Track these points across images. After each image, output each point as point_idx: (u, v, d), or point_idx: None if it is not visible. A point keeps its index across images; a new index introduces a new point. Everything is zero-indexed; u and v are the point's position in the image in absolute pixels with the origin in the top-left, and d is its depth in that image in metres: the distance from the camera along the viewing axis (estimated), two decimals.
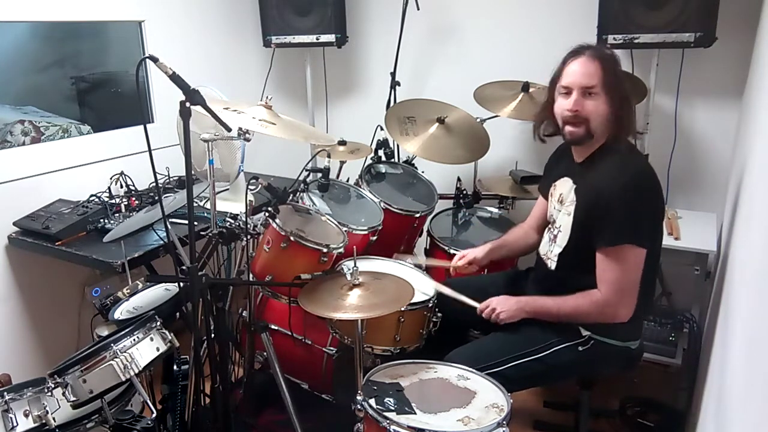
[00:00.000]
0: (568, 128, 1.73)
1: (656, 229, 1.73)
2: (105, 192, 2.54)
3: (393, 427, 1.45)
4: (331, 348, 2.10)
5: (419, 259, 2.28)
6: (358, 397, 1.55)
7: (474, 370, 1.69)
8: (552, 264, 1.87)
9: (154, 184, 1.88)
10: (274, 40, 3.14)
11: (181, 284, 1.82)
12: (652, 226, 1.69)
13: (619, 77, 1.70)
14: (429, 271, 2.31)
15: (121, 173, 2.59)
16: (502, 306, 1.82)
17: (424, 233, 2.60)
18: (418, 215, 2.48)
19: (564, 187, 1.84)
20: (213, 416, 1.99)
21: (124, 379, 1.61)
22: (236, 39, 3.38)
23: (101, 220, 2.36)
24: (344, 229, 2.17)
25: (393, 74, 3.03)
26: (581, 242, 1.74)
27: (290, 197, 2.14)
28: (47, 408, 1.57)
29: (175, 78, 1.52)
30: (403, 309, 1.85)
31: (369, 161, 2.73)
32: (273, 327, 2.13)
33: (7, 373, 2.09)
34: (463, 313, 1.94)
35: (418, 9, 2.97)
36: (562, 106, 1.72)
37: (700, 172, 2.75)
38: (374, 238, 2.29)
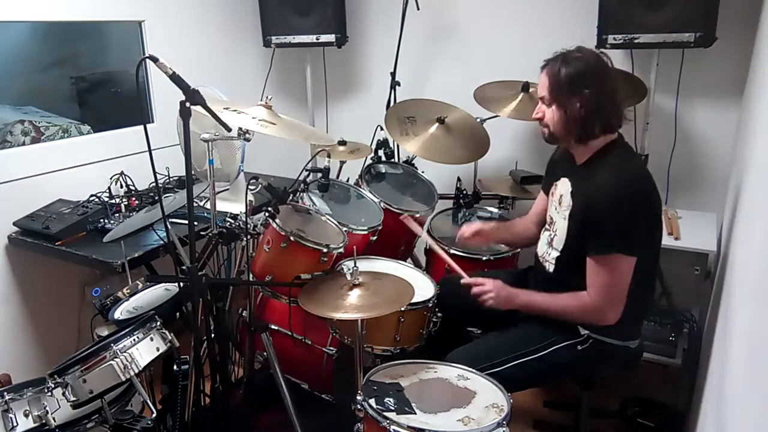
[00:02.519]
0: (541, 128, 1.84)
1: (650, 235, 1.73)
2: (105, 192, 2.54)
3: (393, 427, 1.46)
4: (331, 348, 2.10)
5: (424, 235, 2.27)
6: (358, 397, 1.55)
7: (474, 370, 1.69)
8: (550, 267, 1.88)
9: (154, 184, 1.88)
10: (274, 40, 3.14)
11: (181, 284, 1.82)
12: (645, 234, 1.70)
13: (578, 85, 1.69)
14: (430, 271, 2.30)
15: (121, 173, 2.59)
16: (495, 291, 1.83)
17: (424, 233, 2.60)
18: (418, 215, 2.48)
19: (563, 189, 1.84)
20: (213, 416, 1.99)
21: (124, 379, 1.61)
22: (236, 39, 3.38)
23: (101, 220, 2.35)
24: (344, 229, 2.17)
25: (393, 74, 3.03)
26: (577, 247, 1.75)
27: (290, 197, 2.13)
28: (47, 408, 1.57)
29: (175, 78, 1.52)
30: (403, 309, 1.85)
31: (369, 161, 2.73)
32: (273, 327, 2.13)
33: (7, 373, 2.09)
34: (464, 313, 1.94)
35: (418, 9, 2.97)
36: None
37: (700, 172, 2.75)
38: (374, 238, 2.29)
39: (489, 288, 1.83)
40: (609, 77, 1.74)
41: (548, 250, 1.89)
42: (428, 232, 2.42)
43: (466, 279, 1.90)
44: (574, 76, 1.69)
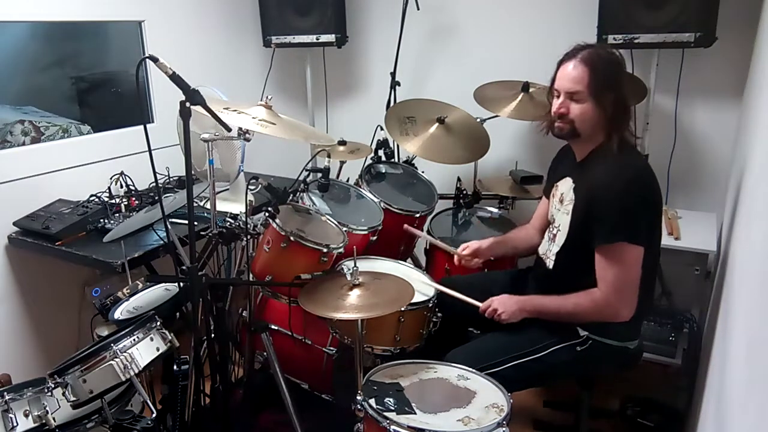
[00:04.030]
0: (556, 124, 1.78)
1: (653, 227, 1.73)
2: (105, 192, 2.54)
3: (393, 427, 1.46)
4: (331, 348, 2.10)
5: (426, 237, 2.31)
6: (358, 397, 1.55)
7: (474, 370, 1.69)
8: (550, 263, 1.87)
9: (154, 184, 1.88)
10: (274, 40, 3.14)
11: (181, 284, 1.82)
12: (649, 225, 1.69)
13: (613, 81, 1.68)
14: (430, 271, 2.31)
15: (121, 173, 2.59)
16: (503, 306, 1.81)
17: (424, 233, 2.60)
18: (418, 215, 2.48)
19: (564, 187, 1.85)
20: (213, 416, 1.99)
21: (124, 379, 1.61)
22: (236, 39, 3.38)
23: (101, 220, 2.35)
24: (344, 229, 2.17)
25: (393, 74, 3.03)
26: (579, 241, 1.75)
27: (290, 197, 2.13)
28: (47, 408, 1.57)
29: (175, 78, 1.52)
30: (403, 309, 1.85)
31: (369, 161, 2.73)
32: (273, 327, 2.13)
33: (7, 373, 2.09)
34: (463, 313, 1.94)
35: (418, 9, 2.97)
36: (553, 106, 1.78)
37: (700, 172, 2.74)
38: (374, 238, 2.29)
39: (497, 306, 1.81)
40: (627, 75, 1.74)
41: (549, 246, 1.89)
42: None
43: (481, 308, 1.86)
44: (612, 72, 1.68)
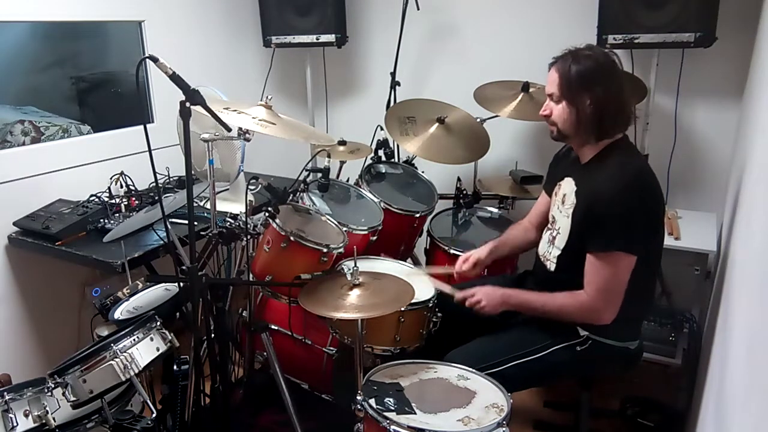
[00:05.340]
0: (549, 126, 1.83)
1: (652, 234, 1.72)
2: (105, 192, 2.54)
3: (393, 427, 1.46)
4: (331, 348, 2.10)
5: (421, 270, 2.26)
6: (358, 397, 1.55)
7: (474, 370, 1.69)
8: (551, 266, 1.87)
9: (154, 184, 1.88)
10: (274, 40, 3.14)
11: (181, 284, 1.82)
12: (647, 233, 1.69)
13: (589, 82, 1.68)
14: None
15: (121, 173, 2.59)
16: (487, 298, 1.82)
17: (424, 233, 2.60)
18: (418, 215, 2.48)
19: (567, 188, 1.84)
20: (213, 416, 2.00)
21: (124, 379, 1.61)
22: (236, 39, 3.38)
23: (101, 220, 2.36)
24: (344, 229, 2.17)
25: (393, 74, 3.03)
26: (579, 245, 1.75)
27: (290, 197, 2.13)
28: (47, 408, 1.57)
29: (175, 78, 1.52)
30: (403, 309, 1.85)
31: (369, 161, 2.73)
32: (273, 327, 2.13)
33: (7, 373, 2.09)
34: (464, 314, 1.94)
35: (418, 9, 2.97)
36: None
37: (700, 172, 2.75)
38: (374, 238, 2.29)
39: (479, 297, 1.83)
40: (618, 76, 1.74)
41: (549, 249, 1.89)
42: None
43: (457, 296, 1.88)
44: (584, 74, 1.69)
